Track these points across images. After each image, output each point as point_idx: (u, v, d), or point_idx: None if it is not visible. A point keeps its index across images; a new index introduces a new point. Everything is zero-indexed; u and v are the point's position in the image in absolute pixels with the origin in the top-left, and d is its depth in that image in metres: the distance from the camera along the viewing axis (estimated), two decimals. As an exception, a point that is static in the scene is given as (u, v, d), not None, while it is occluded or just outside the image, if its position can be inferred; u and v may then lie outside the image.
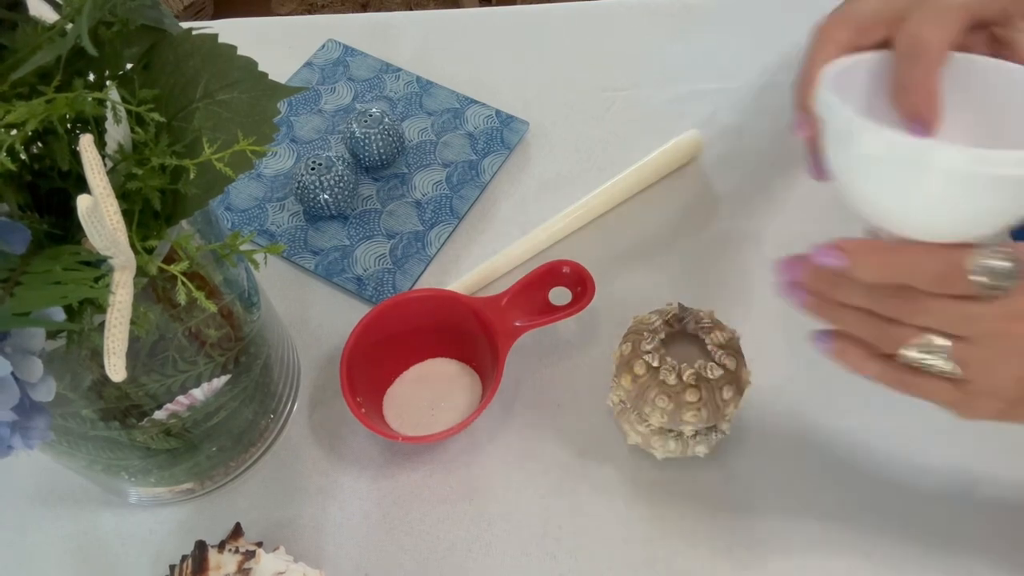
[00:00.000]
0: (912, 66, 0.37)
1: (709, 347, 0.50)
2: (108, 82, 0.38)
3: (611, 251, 0.65)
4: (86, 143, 0.32)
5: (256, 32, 0.81)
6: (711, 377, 0.48)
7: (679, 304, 0.52)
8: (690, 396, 0.48)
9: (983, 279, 0.34)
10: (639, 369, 0.49)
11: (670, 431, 0.51)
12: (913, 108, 0.37)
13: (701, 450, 0.52)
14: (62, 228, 0.37)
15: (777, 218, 0.67)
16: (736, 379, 0.49)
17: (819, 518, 0.53)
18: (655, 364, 0.49)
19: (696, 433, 0.51)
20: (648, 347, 0.50)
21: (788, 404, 0.57)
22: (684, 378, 0.48)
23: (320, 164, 0.64)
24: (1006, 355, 0.35)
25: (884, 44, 0.40)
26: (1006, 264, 0.34)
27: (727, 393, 0.49)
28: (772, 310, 0.61)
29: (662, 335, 0.50)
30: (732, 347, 0.50)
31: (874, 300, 0.37)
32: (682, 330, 0.52)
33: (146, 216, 0.38)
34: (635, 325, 0.52)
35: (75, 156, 0.36)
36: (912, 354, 0.36)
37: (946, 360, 0.36)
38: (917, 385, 0.37)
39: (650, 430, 0.52)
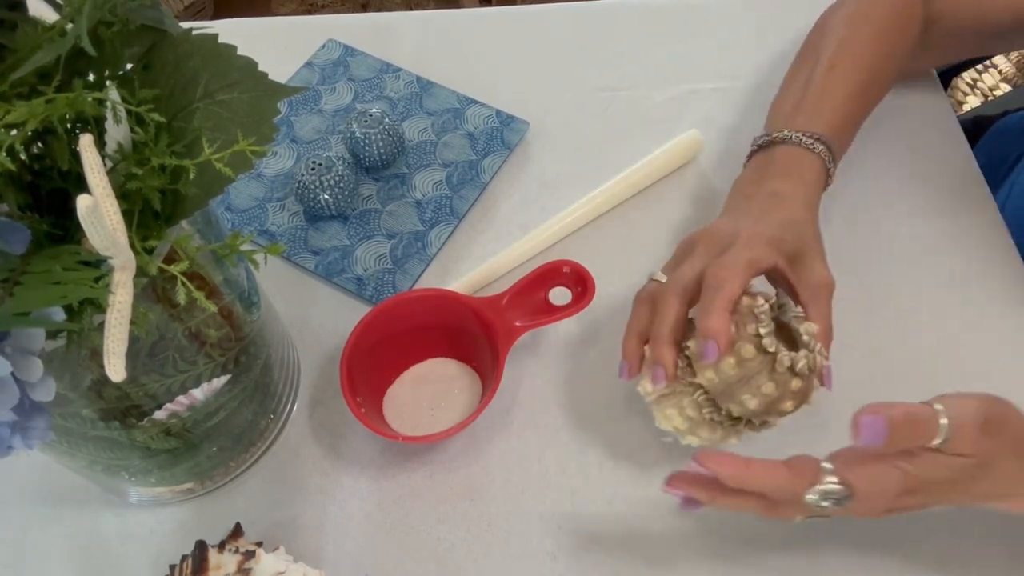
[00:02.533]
0: (714, 296, 0.47)
1: (805, 338, 0.48)
2: (108, 82, 0.38)
3: (611, 251, 0.65)
4: (86, 143, 0.32)
5: (256, 32, 0.81)
6: (817, 367, 0.47)
7: (780, 291, 0.51)
8: (795, 385, 0.47)
9: (819, 504, 0.42)
10: (747, 352, 0.47)
11: (720, 420, 0.50)
12: (708, 329, 0.47)
13: (733, 442, 0.51)
14: (62, 228, 0.37)
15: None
16: (821, 370, 0.49)
17: (838, 521, 0.53)
18: (772, 350, 0.47)
19: (762, 423, 0.50)
20: (764, 331, 0.47)
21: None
22: (797, 368, 0.46)
23: (320, 164, 0.64)
24: (849, 515, 0.44)
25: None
26: (839, 501, 0.42)
27: (815, 382, 0.48)
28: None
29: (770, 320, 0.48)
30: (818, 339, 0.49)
31: (748, 509, 0.45)
32: (777, 317, 0.50)
33: (146, 216, 0.38)
34: (737, 307, 0.49)
35: (75, 156, 0.36)
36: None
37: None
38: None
39: (702, 417, 0.50)
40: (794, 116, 0.58)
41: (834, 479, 0.42)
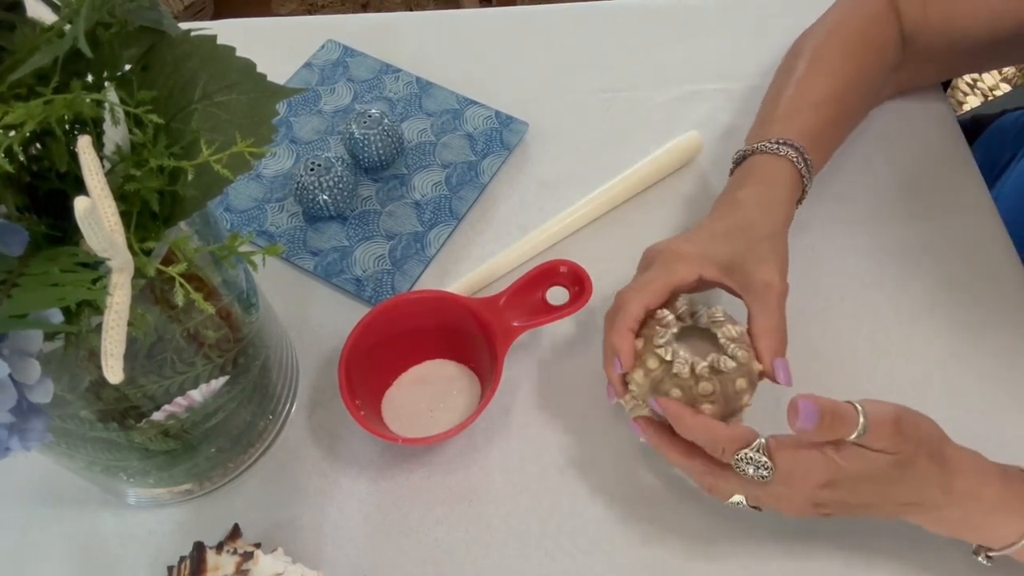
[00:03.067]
0: (613, 317, 0.52)
1: (721, 340, 0.50)
2: (106, 83, 0.38)
3: (610, 250, 0.65)
4: (84, 144, 0.32)
5: (256, 32, 0.81)
6: (724, 369, 0.48)
7: (691, 299, 0.52)
8: (704, 388, 0.48)
9: (740, 472, 0.46)
10: (652, 363, 0.50)
11: None
12: (610, 347, 0.51)
13: None
14: (60, 230, 0.37)
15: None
16: (748, 371, 0.49)
17: (828, 525, 0.53)
18: (668, 358, 0.49)
19: None
20: (661, 341, 0.50)
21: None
22: (697, 371, 0.48)
23: (319, 165, 0.64)
24: (779, 507, 0.48)
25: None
26: (758, 470, 0.46)
27: (740, 384, 0.49)
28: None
29: (675, 329, 0.51)
30: (743, 341, 0.50)
31: (690, 469, 0.49)
32: (694, 325, 0.52)
33: (144, 218, 0.38)
34: (647, 320, 0.52)
35: (73, 157, 0.36)
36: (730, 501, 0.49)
37: (744, 500, 0.48)
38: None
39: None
40: (767, 128, 0.60)
41: (762, 451, 0.46)
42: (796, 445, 0.46)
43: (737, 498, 0.48)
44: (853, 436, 0.45)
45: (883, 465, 0.45)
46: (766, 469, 0.46)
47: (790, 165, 0.57)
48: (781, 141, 0.58)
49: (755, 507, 0.49)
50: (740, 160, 0.60)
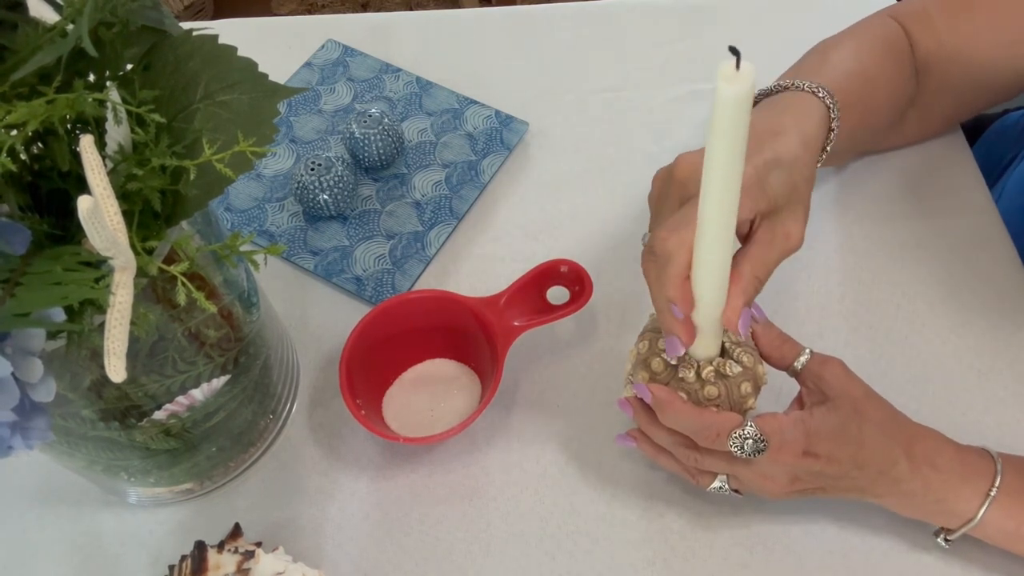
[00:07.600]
0: (661, 277, 0.45)
1: (727, 344, 0.49)
2: (108, 83, 0.38)
3: (610, 250, 0.65)
4: (86, 144, 0.32)
5: (256, 32, 0.81)
6: (730, 374, 0.48)
7: None
8: (709, 392, 0.48)
9: (737, 452, 0.46)
10: (657, 366, 0.49)
11: None
12: (669, 301, 0.45)
13: None
14: (62, 229, 0.37)
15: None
16: (753, 375, 0.49)
17: (823, 518, 0.53)
18: (673, 362, 0.49)
19: None
20: (664, 345, 0.49)
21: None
22: (703, 375, 0.48)
23: (320, 164, 0.64)
24: (763, 491, 0.49)
25: None
26: (756, 444, 0.46)
27: (745, 388, 0.49)
28: (771, 307, 0.61)
29: None
30: (747, 344, 0.50)
31: (674, 445, 0.49)
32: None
33: (146, 217, 0.38)
34: (651, 323, 0.52)
35: (75, 157, 0.36)
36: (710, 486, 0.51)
37: (726, 484, 0.50)
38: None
39: None
40: (795, 76, 0.56)
41: (753, 427, 0.46)
42: (776, 416, 0.47)
43: (718, 483, 0.50)
44: (798, 363, 0.50)
45: (846, 414, 0.47)
46: (762, 442, 0.46)
47: (825, 109, 0.52)
48: (818, 84, 0.53)
49: (736, 491, 0.50)
50: (768, 92, 0.55)
